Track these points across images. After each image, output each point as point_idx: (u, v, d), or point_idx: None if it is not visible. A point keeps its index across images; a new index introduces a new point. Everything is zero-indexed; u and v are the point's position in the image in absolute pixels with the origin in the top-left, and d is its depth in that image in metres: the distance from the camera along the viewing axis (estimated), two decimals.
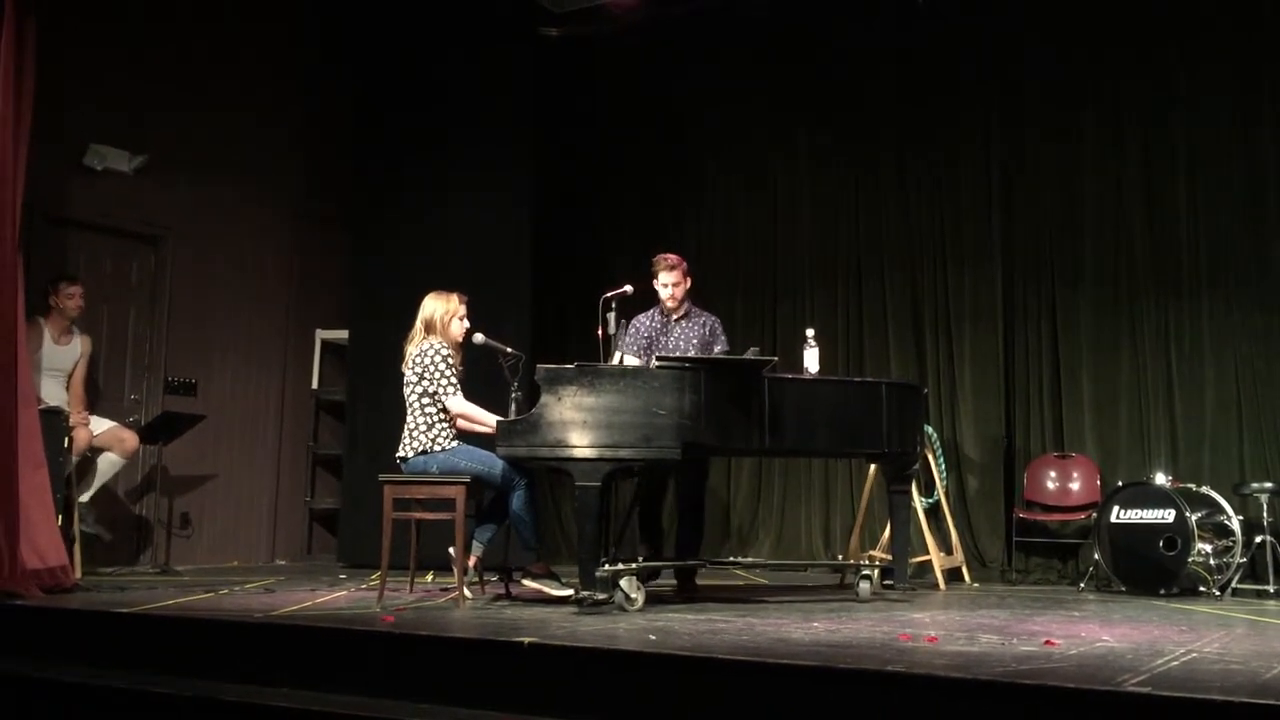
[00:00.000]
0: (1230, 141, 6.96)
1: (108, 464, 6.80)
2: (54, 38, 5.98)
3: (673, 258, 6.05)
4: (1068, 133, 7.41)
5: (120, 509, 7.35)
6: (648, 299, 6.11)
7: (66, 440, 6.09)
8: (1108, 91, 7.33)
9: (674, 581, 6.09)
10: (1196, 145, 7.05)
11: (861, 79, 8.03)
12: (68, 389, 6.69)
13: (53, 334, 6.63)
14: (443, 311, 5.52)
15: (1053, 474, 7.15)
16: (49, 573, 5.38)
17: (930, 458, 6.88)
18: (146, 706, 4.01)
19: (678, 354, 5.82)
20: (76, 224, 7.19)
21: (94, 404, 7.00)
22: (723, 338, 6.08)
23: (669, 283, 5.99)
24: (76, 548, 6.16)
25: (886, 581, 5.90)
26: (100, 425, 6.79)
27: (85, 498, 6.60)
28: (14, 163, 5.46)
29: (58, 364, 6.66)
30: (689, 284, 6.10)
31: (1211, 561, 6.01)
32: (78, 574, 5.87)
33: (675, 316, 6.07)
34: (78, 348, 6.76)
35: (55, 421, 5.97)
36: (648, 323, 6.10)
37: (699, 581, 6.17)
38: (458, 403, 5.42)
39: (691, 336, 6.02)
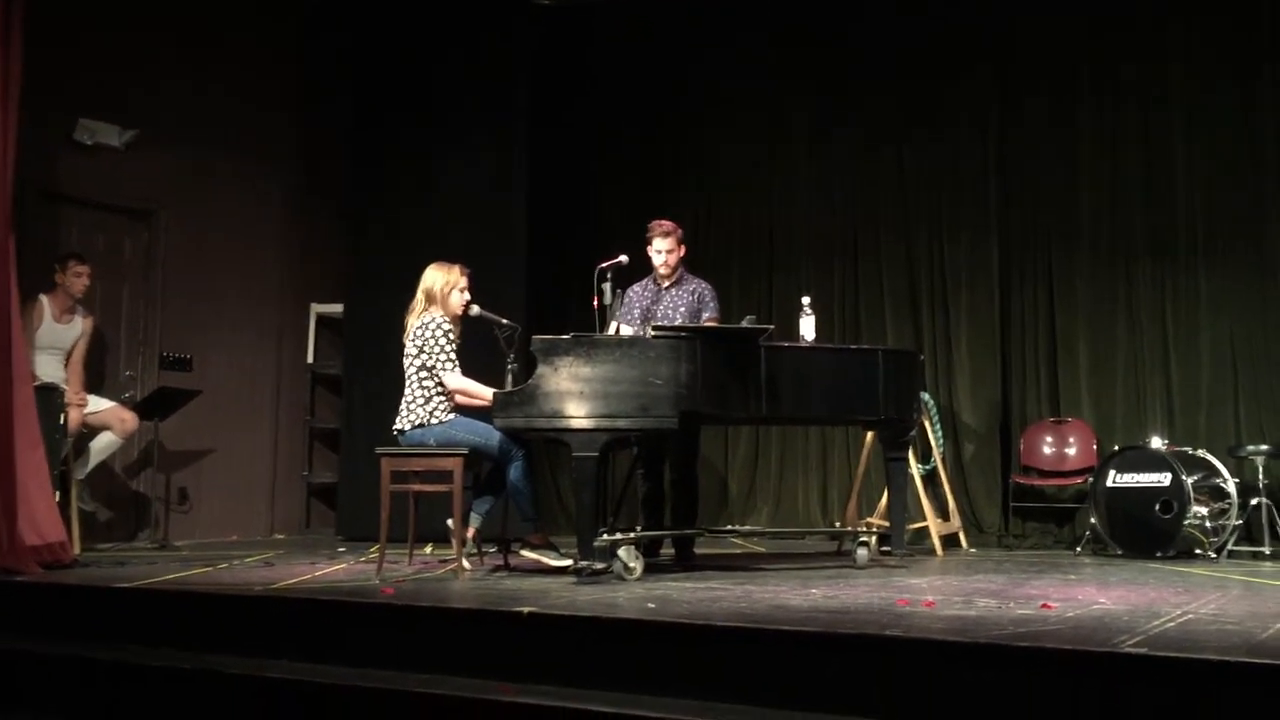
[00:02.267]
0: (1228, 108, 6.93)
1: (105, 442, 6.78)
2: (42, 9, 5.92)
3: (668, 224, 6.02)
4: (1065, 100, 7.37)
5: (118, 485, 7.35)
6: (644, 269, 6.09)
7: (62, 417, 6.08)
8: (1105, 58, 7.29)
9: (673, 551, 6.10)
10: (1194, 112, 7.03)
11: (860, 49, 7.96)
12: (66, 367, 6.68)
13: (54, 312, 6.61)
14: (442, 283, 5.50)
15: (1049, 439, 7.16)
16: (48, 549, 5.38)
17: (927, 424, 6.88)
18: (147, 680, 4.03)
19: (668, 323, 5.81)
20: (68, 200, 7.14)
21: (95, 384, 6.99)
22: (712, 305, 6.02)
23: (663, 249, 5.96)
24: (75, 524, 6.18)
25: (884, 548, 5.92)
26: (100, 404, 6.78)
27: (81, 476, 6.59)
28: (4, 138, 5.41)
29: (57, 342, 6.64)
30: (683, 251, 6.07)
31: (1207, 524, 6.03)
32: (76, 550, 5.88)
33: (666, 284, 6.05)
34: (79, 326, 6.74)
35: (51, 398, 5.96)
36: (640, 291, 6.09)
37: (697, 550, 6.18)
38: (454, 378, 5.41)
39: (680, 304, 5.99)
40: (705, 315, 5.94)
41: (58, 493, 5.75)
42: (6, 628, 4.71)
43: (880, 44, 7.90)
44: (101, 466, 6.91)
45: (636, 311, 6.02)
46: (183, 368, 7.45)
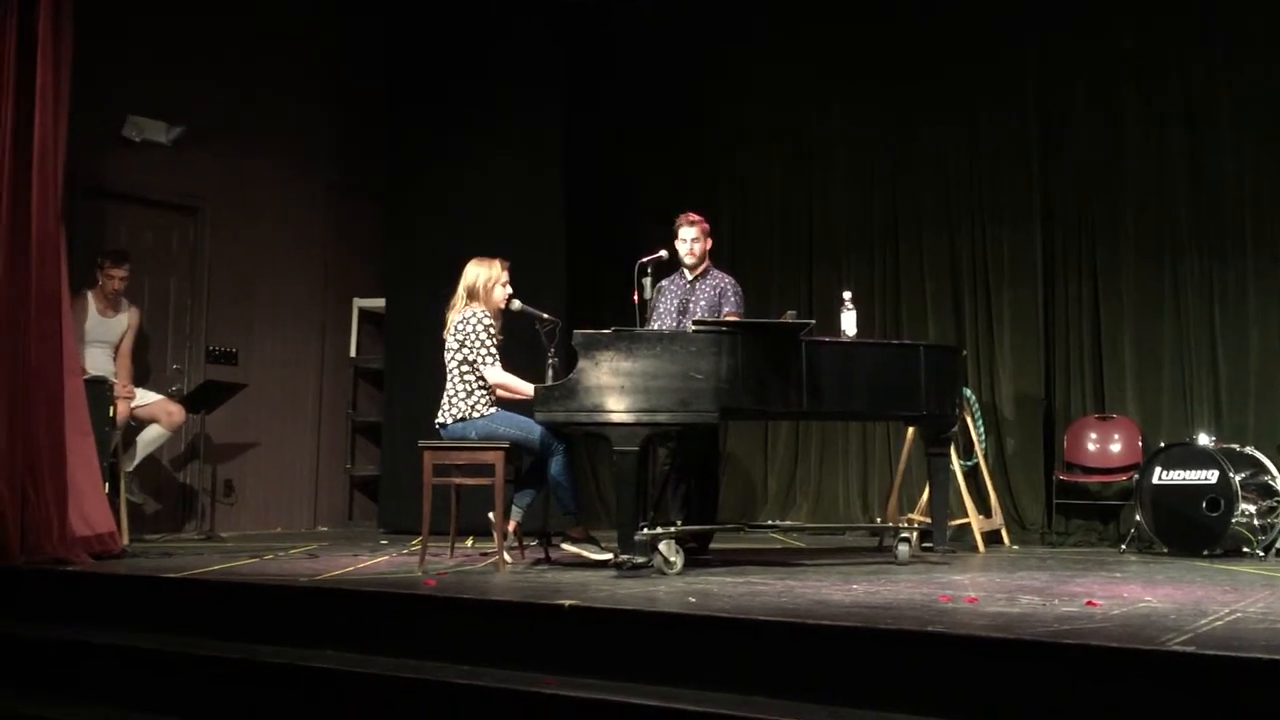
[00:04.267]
0: (1277, 95, 6.81)
1: (153, 435, 6.89)
2: (91, 8, 6.01)
3: (694, 215, 6.05)
4: (1108, 87, 7.27)
5: (165, 477, 7.46)
6: (678, 262, 6.09)
7: (111, 409, 6.18)
8: (1150, 45, 7.18)
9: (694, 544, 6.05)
10: (1241, 99, 6.91)
11: (898, 38, 7.91)
12: (115, 360, 6.78)
13: (98, 307, 6.72)
14: (485, 278, 5.52)
15: (1093, 435, 7.08)
16: (97, 539, 5.47)
17: (969, 420, 6.83)
18: (194, 668, 4.09)
19: (691, 316, 5.82)
20: (116, 196, 7.26)
21: (143, 377, 7.09)
22: (733, 299, 6.00)
23: (688, 238, 5.98)
24: (123, 515, 6.27)
25: (925, 544, 5.89)
26: (148, 398, 6.88)
27: (130, 468, 6.69)
28: (54, 135, 5.50)
29: (104, 336, 6.75)
30: (709, 244, 6.09)
31: (1255, 522, 5.94)
32: (125, 541, 5.97)
33: (692, 277, 6.05)
34: (125, 320, 6.84)
35: (100, 391, 6.06)
36: (672, 285, 6.10)
37: (738, 545, 6.17)
38: (495, 373, 5.43)
39: (701, 299, 6.01)
40: (725, 310, 5.92)
41: (107, 484, 5.84)
42: (57, 617, 4.80)
43: (918, 31, 7.82)
44: (149, 459, 7.02)
45: (675, 303, 6.03)
46: (228, 361, 7.53)
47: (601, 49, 8.61)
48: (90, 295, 6.69)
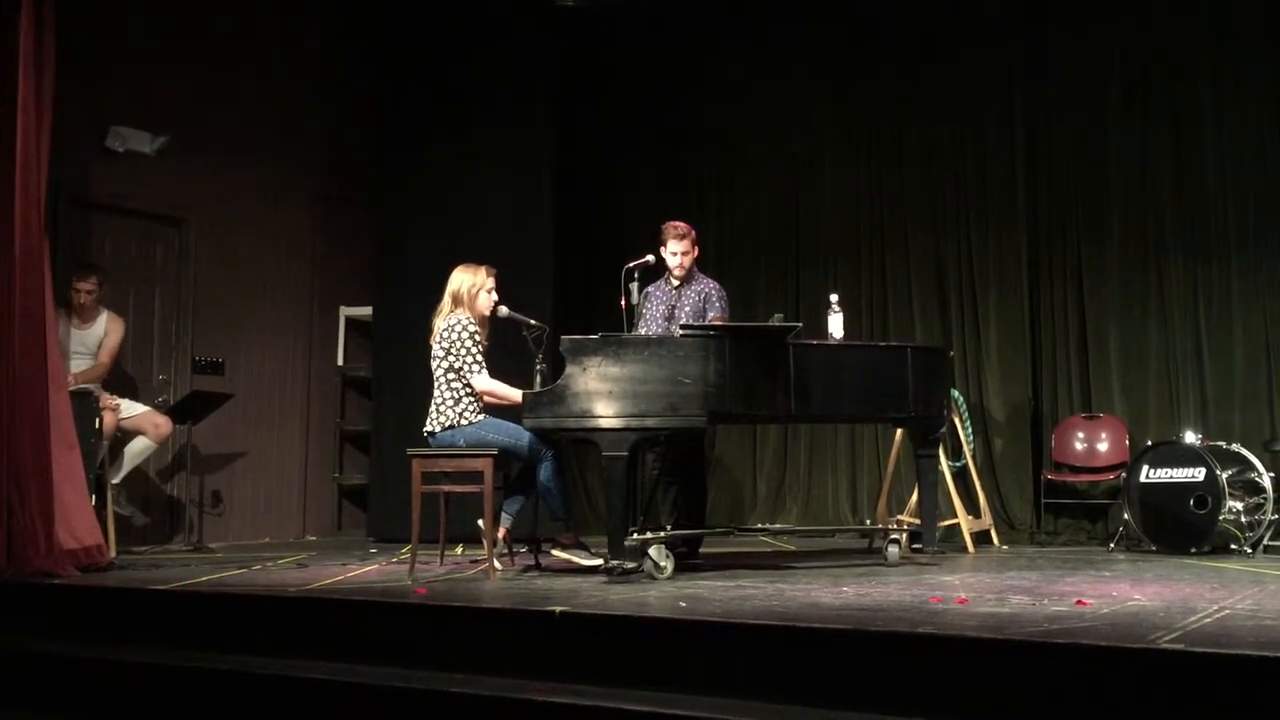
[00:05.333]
0: (1259, 97, 6.86)
1: (140, 447, 6.84)
2: (73, 18, 5.98)
3: (682, 226, 6.02)
4: (1093, 90, 7.31)
5: (152, 489, 7.41)
6: (663, 267, 6.09)
7: (97, 422, 6.14)
8: (1134, 49, 7.23)
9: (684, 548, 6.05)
10: (1225, 101, 6.97)
11: (885, 41, 7.94)
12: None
13: (74, 321, 6.67)
14: (470, 284, 5.51)
15: (1081, 435, 7.11)
16: (85, 552, 5.43)
17: (957, 421, 6.85)
18: (184, 681, 4.07)
19: (677, 321, 5.82)
20: (100, 207, 7.21)
21: (129, 388, 7.04)
22: (718, 304, 5.99)
23: (678, 251, 5.96)
24: (110, 527, 6.24)
25: (915, 545, 5.89)
26: (134, 409, 6.83)
27: (117, 480, 6.66)
28: (37, 146, 5.47)
29: (82, 347, 6.70)
30: (696, 252, 6.08)
31: (1243, 519, 5.97)
32: (112, 553, 5.94)
33: (678, 282, 6.05)
34: (103, 326, 6.77)
35: (86, 403, 6.02)
36: (659, 291, 6.10)
37: (728, 549, 6.17)
38: (482, 380, 5.42)
39: (686, 304, 6.00)
40: (710, 315, 5.92)
41: (93, 497, 5.80)
42: (45, 630, 4.77)
43: (905, 36, 7.86)
44: (136, 470, 6.97)
45: (661, 309, 6.03)
46: (215, 371, 7.50)
47: (590, 58, 8.62)
48: (64, 310, 6.64)
